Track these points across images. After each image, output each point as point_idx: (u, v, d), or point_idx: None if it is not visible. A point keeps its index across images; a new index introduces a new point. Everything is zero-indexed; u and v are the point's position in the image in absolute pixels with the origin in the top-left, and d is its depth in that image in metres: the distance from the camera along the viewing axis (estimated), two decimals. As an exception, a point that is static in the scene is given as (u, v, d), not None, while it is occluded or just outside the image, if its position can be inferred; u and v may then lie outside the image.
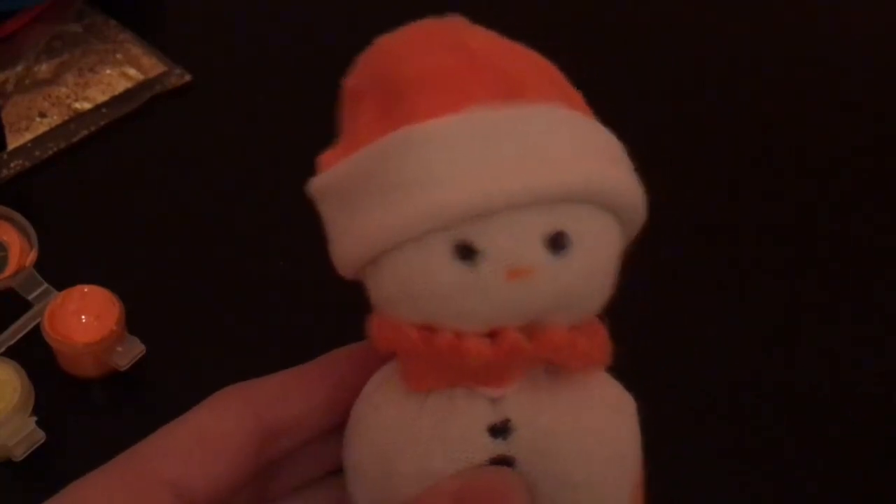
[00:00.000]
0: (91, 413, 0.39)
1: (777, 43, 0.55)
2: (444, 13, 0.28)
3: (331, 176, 0.27)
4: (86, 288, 0.39)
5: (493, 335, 0.26)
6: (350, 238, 0.26)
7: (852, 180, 0.48)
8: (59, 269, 0.40)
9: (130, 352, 0.38)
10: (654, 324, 0.41)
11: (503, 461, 0.26)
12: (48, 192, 0.45)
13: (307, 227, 0.45)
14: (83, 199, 0.45)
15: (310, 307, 0.41)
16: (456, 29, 0.27)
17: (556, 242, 0.25)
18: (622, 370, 0.38)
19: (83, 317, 0.38)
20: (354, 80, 0.28)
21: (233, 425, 0.28)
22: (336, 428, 0.29)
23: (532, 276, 0.25)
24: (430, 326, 0.26)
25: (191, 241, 0.44)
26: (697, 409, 0.39)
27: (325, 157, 0.27)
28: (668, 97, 0.51)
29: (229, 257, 0.43)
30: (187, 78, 0.50)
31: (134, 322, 0.39)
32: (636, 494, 0.29)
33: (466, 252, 0.25)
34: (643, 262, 0.44)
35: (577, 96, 0.28)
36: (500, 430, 0.26)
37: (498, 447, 0.26)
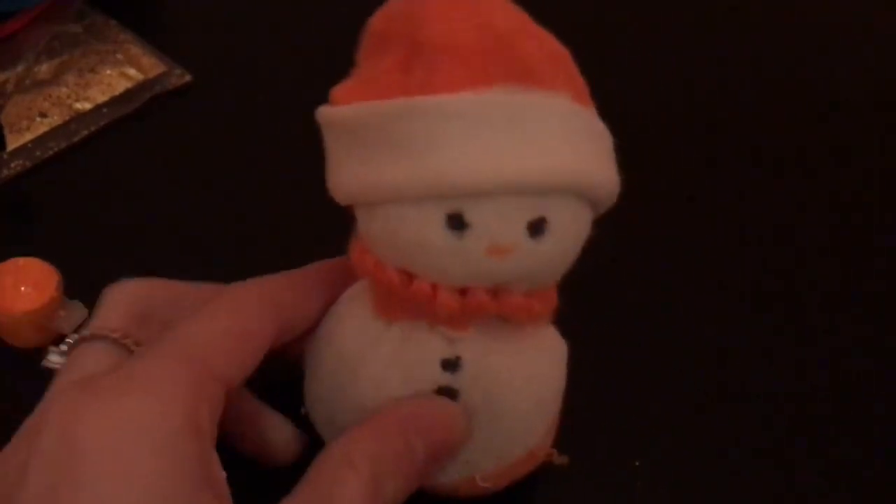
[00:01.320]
0: (36, 379, 0.39)
1: (778, 42, 0.55)
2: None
3: (343, 112, 0.29)
4: (21, 260, 0.39)
5: (462, 291, 0.29)
6: (350, 177, 0.29)
7: (852, 179, 0.48)
8: (60, 268, 0.40)
9: (72, 317, 0.38)
10: (655, 323, 0.41)
11: (448, 391, 0.30)
12: (49, 191, 0.45)
13: (307, 226, 0.46)
14: (84, 199, 0.45)
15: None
16: (489, 2, 0.28)
17: (536, 228, 0.28)
18: (629, 369, 0.38)
19: (22, 287, 0.38)
20: (381, 21, 0.29)
21: (259, 325, 0.30)
22: None
23: (509, 254, 0.28)
24: (409, 272, 0.29)
25: (191, 241, 0.44)
26: (698, 403, 0.39)
27: (338, 92, 0.29)
28: (667, 96, 0.51)
29: (229, 257, 0.43)
30: (187, 78, 0.50)
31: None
32: (553, 425, 0.33)
33: (457, 222, 0.28)
34: (643, 260, 0.44)
35: (583, 85, 0.30)
36: (451, 364, 0.30)
37: (446, 379, 0.30)
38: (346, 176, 0.29)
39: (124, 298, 0.32)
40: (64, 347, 0.31)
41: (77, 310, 0.39)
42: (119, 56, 0.50)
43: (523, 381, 0.31)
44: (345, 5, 0.55)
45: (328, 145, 0.30)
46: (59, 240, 0.43)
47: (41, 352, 0.39)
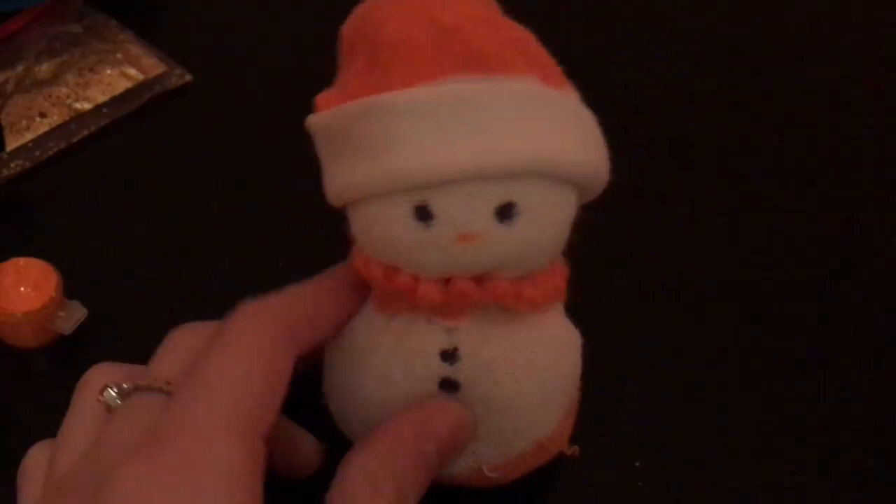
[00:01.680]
0: (36, 380, 0.39)
1: (779, 40, 0.55)
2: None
3: (322, 119, 0.30)
4: (20, 261, 0.39)
5: (446, 281, 0.29)
6: (332, 179, 0.30)
7: (851, 180, 0.48)
8: (60, 269, 0.40)
9: (71, 317, 0.39)
10: (656, 324, 0.41)
11: (450, 382, 0.31)
12: (49, 192, 0.45)
13: (308, 225, 0.46)
14: (84, 200, 0.45)
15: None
16: None
17: (505, 212, 0.28)
18: (629, 370, 0.38)
19: (22, 288, 0.38)
20: (349, 28, 0.31)
21: (288, 363, 0.30)
22: None
23: (479, 241, 0.28)
24: (394, 266, 0.29)
25: (192, 241, 0.44)
26: (698, 404, 0.39)
27: (321, 98, 0.30)
28: (666, 93, 0.51)
29: (230, 256, 0.43)
30: (187, 78, 0.50)
31: (131, 323, 0.39)
32: (568, 417, 0.33)
33: (424, 214, 0.28)
34: (643, 260, 0.44)
35: (553, 67, 0.30)
36: (449, 355, 0.30)
37: (447, 370, 0.30)
38: (329, 178, 0.30)
39: (184, 344, 0.32)
40: (126, 386, 0.30)
41: (77, 310, 0.39)
42: (119, 56, 0.50)
43: (524, 370, 0.31)
44: (345, 5, 0.55)
45: (318, 152, 0.31)
46: (58, 240, 0.43)
47: (41, 352, 0.39)
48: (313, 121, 0.30)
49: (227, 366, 0.29)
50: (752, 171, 0.48)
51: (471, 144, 0.27)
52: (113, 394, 0.31)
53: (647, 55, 0.53)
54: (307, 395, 0.34)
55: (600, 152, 0.30)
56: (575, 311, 0.33)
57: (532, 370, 0.31)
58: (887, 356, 0.41)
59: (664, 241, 0.45)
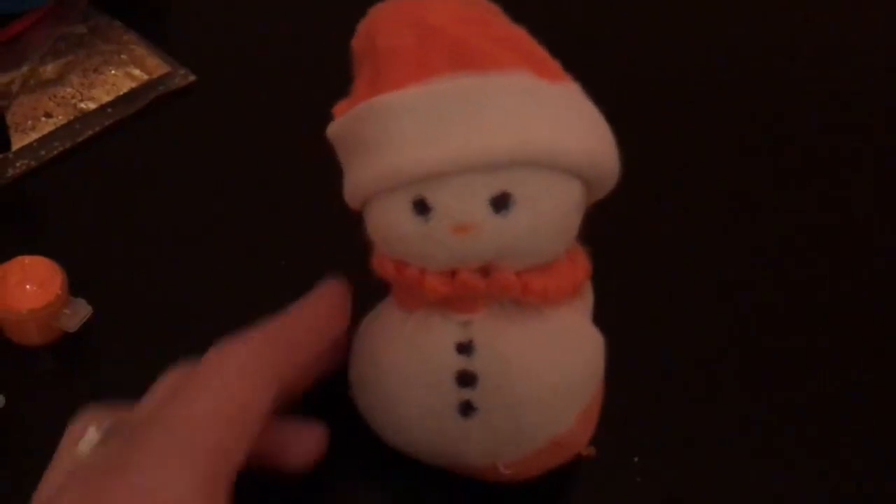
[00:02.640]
0: (42, 378, 0.39)
1: (778, 40, 0.55)
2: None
3: (335, 126, 0.32)
4: (26, 259, 0.39)
5: (453, 273, 0.30)
6: (346, 183, 0.31)
7: (851, 179, 0.48)
8: (65, 267, 0.40)
9: (77, 315, 0.39)
10: (654, 320, 0.41)
11: (467, 374, 0.31)
12: (54, 191, 0.46)
13: (312, 225, 0.46)
14: (88, 199, 0.45)
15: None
16: (420, 4, 0.31)
17: (500, 203, 0.29)
18: (628, 366, 0.38)
19: (27, 286, 0.38)
20: (356, 42, 0.32)
21: (264, 397, 0.30)
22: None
23: (475, 232, 0.29)
24: (404, 261, 0.31)
25: (195, 240, 0.44)
26: (696, 400, 0.39)
27: (337, 108, 0.32)
28: (665, 91, 0.51)
29: (233, 256, 0.43)
30: (191, 78, 0.50)
31: (136, 320, 0.40)
32: (586, 417, 0.33)
33: (422, 207, 0.29)
34: (642, 257, 0.44)
35: (548, 61, 0.31)
36: (464, 347, 0.31)
37: (463, 362, 0.31)
38: (345, 182, 0.31)
39: (170, 384, 0.31)
40: (106, 425, 0.30)
41: (82, 308, 0.39)
42: (123, 56, 0.51)
43: (539, 364, 0.31)
44: (348, 5, 0.55)
45: (339, 158, 0.32)
46: (63, 239, 0.43)
47: (46, 350, 0.39)
48: (330, 129, 0.32)
49: (190, 402, 0.29)
50: (752, 170, 0.48)
51: (460, 137, 0.29)
52: (94, 434, 0.30)
53: (647, 55, 0.53)
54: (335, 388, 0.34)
55: (602, 142, 0.31)
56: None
57: (547, 364, 0.31)
58: (887, 356, 0.41)
59: (663, 241, 0.45)
